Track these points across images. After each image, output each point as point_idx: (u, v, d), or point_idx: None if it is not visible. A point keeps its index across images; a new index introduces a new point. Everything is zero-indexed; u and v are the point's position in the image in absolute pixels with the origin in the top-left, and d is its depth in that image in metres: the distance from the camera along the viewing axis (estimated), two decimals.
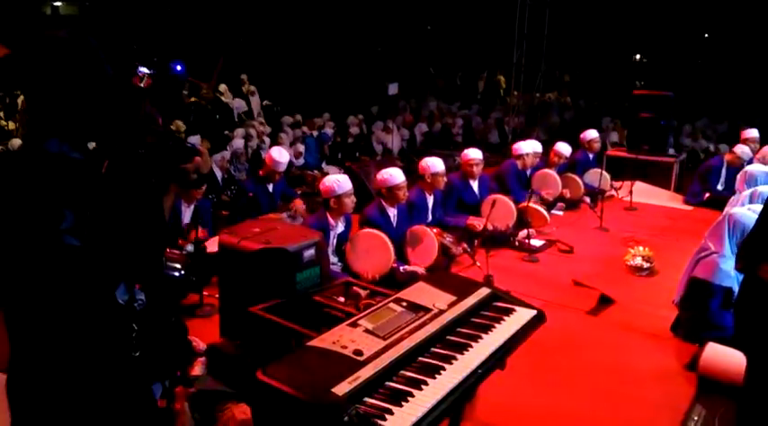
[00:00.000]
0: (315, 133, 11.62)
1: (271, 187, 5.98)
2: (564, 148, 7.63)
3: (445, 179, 5.89)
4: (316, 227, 4.73)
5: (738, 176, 5.49)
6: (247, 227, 3.61)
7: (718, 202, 7.56)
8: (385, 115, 13.62)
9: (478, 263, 5.29)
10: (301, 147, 10.14)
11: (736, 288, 3.92)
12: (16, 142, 9.29)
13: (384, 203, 5.24)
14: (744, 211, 4.00)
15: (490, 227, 5.85)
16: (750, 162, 7.38)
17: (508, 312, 2.43)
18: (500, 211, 6.10)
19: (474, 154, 6.42)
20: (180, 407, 2.76)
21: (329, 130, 12.15)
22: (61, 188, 1.62)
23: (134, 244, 1.72)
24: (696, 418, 3.42)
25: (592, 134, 8.25)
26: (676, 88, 9.75)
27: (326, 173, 10.16)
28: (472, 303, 2.42)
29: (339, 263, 4.91)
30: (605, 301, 4.95)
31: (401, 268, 4.96)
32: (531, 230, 6.25)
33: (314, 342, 2.04)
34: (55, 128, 1.66)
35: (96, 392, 1.73)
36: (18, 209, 1.61)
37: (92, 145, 1.79)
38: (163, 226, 1.83)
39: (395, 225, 5.28)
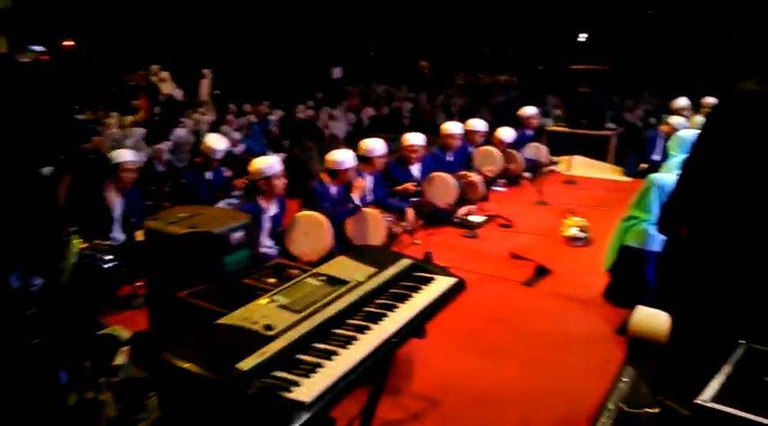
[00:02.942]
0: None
1: (208, 175, 5.88)
2: (506, 134, 7.63)
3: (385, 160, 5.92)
4: (248, 211, 4.68)
5: (670, 142, 5.62)
6: (174, 213, 3.54)
7: (655, 171, 7.77)
8: (331, 100, 13.55)
9: (418, 241, 5.32)
10: (237, 135, 9.99)
11: None
12: None
13: (327, 181, 5.25)
14: (669, 177, 4.09)
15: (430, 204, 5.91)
16: None
17: (427, 281, 2.44)
18: (440, 189, 6.15)
19: (414, 139, 6.40)
20: (105, 397, 2.70)
21: (274, 117, 12.04)
22: None
23: (25, 232, 1.67)
24: (626, 380, 3.51)
25: (529, 110, 8.35)
26: (618, 64, 9.95)
27: None
28: (392, 274, 2.42)
29: (276, 247, 4.87)
30: (541, 271, 5.04)
31: None
32: (471, 207, 6.31)
33: (223, 320, 2.01)
34: None
35: None
36: None
37: None
38: (55, 214, 1.78)
39: (336, 200, 5.29)
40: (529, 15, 19.24)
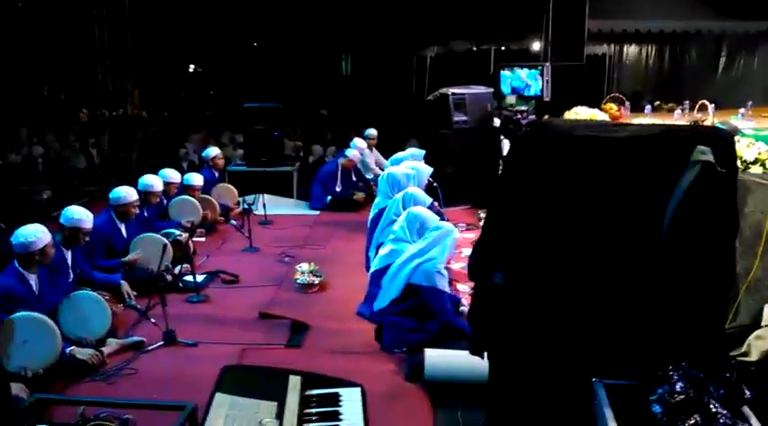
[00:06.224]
0: None
1: None
2: (198, 181, 7.05)
3: None
4: None
5: (381, 182, 5.90)
6: None
7: (339, 203, 8.16)
8: None
9: (153, 320, 4.53)
10: None
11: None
12: None
13: (21, 268, 4.06)
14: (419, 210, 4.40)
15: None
16: (362, 163, 8.16)
17: (336, 400, 2.03)
18: (149, 252, 5.41)
19: (134, 194, 5.57)
20: None
21: None
22: None
23: None
24: None
25: (214, 151, 7.95)
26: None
27: None
28: (296, 404, 1.95)
29: None
30: (299, 327, 4.75)
31: (67, 350, 3.90)
32: (185, 265, 5.65)
33: None
34: None
35: None
36: None
37: None
38: None
39: (37, 293, 4.14)
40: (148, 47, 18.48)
